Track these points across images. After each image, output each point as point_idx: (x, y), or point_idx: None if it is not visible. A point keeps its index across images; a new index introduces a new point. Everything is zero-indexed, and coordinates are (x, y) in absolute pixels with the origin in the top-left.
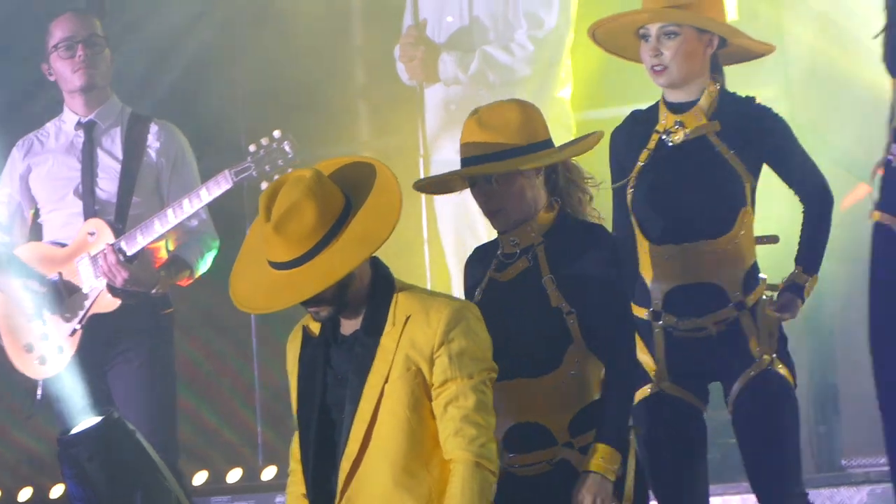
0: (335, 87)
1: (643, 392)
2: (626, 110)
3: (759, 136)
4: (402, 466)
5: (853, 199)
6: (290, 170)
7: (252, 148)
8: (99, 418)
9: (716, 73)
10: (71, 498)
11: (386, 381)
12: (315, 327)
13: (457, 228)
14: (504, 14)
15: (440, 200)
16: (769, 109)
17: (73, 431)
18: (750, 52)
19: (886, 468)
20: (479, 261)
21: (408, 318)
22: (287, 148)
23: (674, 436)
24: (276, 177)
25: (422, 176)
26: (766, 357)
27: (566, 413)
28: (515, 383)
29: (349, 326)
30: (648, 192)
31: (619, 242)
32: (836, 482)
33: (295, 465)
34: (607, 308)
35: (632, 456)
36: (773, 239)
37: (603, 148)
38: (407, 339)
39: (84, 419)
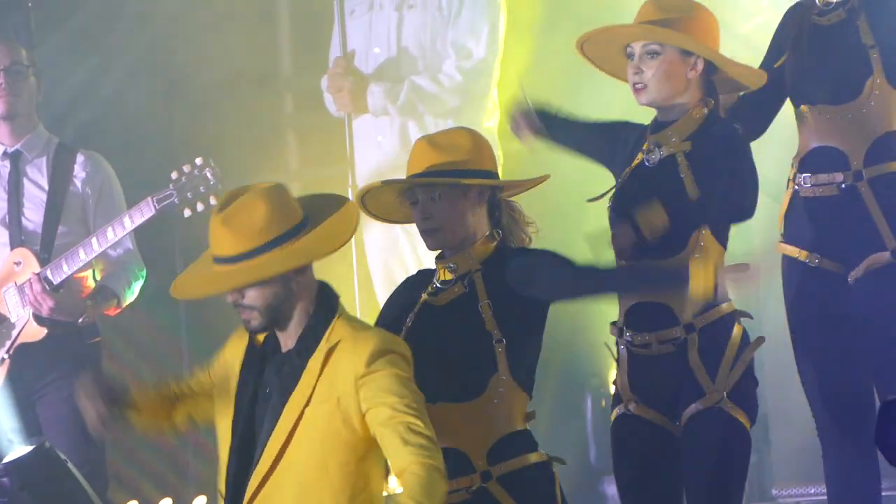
0: (264, 117)
1: (613, 414)
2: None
3: (719, 156)
4: (310, 493)
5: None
6: (212, 197)
7: (174, 175)
8: (30, 448)
9: (710, 96)
10: None
11: (307, 405)
12: (260, 338)
13: (385, 261)
14: (432, 45)
15: (369, 236)
16: (737, 131)
17: (5, 461)
18: (738, 81)
19: (817, 497)
20: (413, 286)
21: (337, 344)
22: (209, 175)
23: (639, 458)
24: (199, 204)
25: None
26: (715, 394)
27: (486, 441)
28: (438, 407)
29: (286, 345)
30: (618, 208)
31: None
32: None
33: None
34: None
35: (557, 487)
36: (742, 267)
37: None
38: (331, 366)
39: (14, 449)
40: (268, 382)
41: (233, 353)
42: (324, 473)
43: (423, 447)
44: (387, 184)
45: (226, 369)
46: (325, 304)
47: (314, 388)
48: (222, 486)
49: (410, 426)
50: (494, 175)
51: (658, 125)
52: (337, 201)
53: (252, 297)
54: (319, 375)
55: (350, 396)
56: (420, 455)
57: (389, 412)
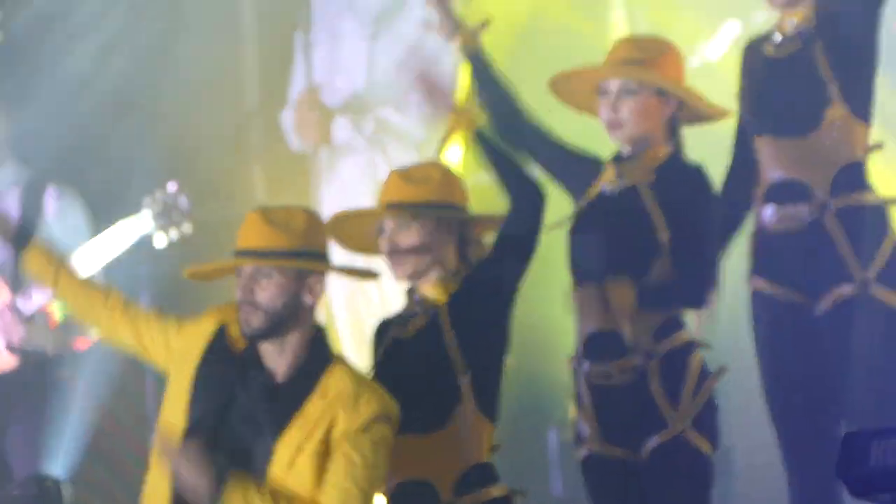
0: (230, 149)
1: (579, 455)
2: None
3: (685, 193)
4: None
5: None
6: (185, 223)
7: (147, 201)
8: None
9: (674, 136)
10: None
11: (298, 451)
12: (237, 338)
13: (352, 305)
14: (398, 76)
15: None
16: (704, 176)
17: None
18: (703, 117)
19: None
20: (386, 328)
21: (339, 395)
22: (181, 202)
23: (614, 496)
24: (172, 230)
25: None
26: (674, 423)
27: (452, 472)
28: (404, 439)
29: (276, 371)
30: (577, 236)
31: None
32: None
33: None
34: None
35: None
36: None
37: None
38: (329, 417)
39: None
40: (252, 403)
41: (194, 337)
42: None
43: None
44: (358, 213)
45: (184, 345)
46: (322, 344)
47: (308, 436)
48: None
49: (357, 482)
50: (464, 209)
51: (621, 157)
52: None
53: (265, 296)
54: (315, 426)
55: (335, 445)
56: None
57: (348, 461)
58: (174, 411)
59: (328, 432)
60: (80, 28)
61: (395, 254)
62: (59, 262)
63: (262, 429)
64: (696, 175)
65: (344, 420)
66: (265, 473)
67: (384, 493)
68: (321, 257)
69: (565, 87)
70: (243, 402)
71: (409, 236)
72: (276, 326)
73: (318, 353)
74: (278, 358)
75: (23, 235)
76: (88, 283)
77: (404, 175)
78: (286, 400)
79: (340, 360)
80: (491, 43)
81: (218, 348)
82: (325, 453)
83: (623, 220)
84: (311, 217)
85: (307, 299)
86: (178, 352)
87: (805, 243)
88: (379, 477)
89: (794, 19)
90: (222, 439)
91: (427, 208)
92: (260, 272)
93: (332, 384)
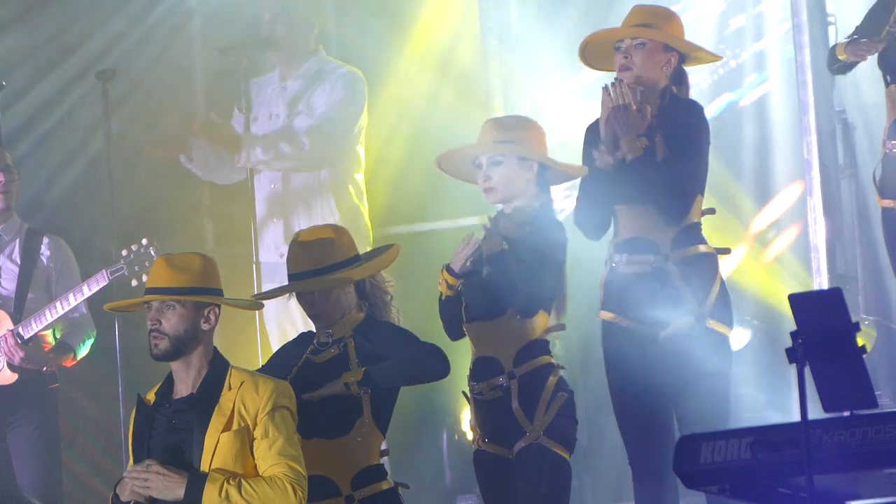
0: (185, 208)
1: (474, 448)
2: (418, 227)
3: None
4: None
5: None
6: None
7: (124, 252)
8: None
9: (542, 193)
10: None
11: (223, 431)
12: (150, 397)
13: (279, 322)
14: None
15: (268, 304)
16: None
17: None
18: (566, 176)
19: None
20: (298, 344)
21: (241, 384)
22: (152, 252)
23: (493, 484)
24: (144, 275)
25: (254, 277)
26: (531, 432)
27: (350, 471)
28: (312, 442)
29: (183, 391)
30: (465, 289)
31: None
32: None
33: None
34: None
35: None
36: (558, 327)
37: None
38: (240, 401)
39: None
40: (172, 419)
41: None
42: None
43: (292, 471)
44: (275, 292)
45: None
46: (220, 358)
47: (228, 418)
48: None
49: (284, 454)
50: (357, 258)
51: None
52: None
53: (168, 325)
54: (232, 409)
55: (252, 425)
56: (286, 475)
57: (272, 441)
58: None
59: (241, 414)
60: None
61: (312, 311)
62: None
63: (189, 433)
64: (557, 227)
65: (251, 400)
66: (201, 463)
67: None
68: (214, 292)
69: (450, 164)
70: (159, 428)
71: (319, 300)
72: (180, 347)
73: (219, 364)
74: (186, 376)
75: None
76: None
77: (300, 242)
78: (202, 403)
79: (235, 367)
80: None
81: (138, 415)
82: (244, 431)
83: (492, 277)
84: (207, 261)
85: (204, 326)
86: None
87: (650, 284)
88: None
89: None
90: (162, 452)
91: (324, 271)
92: (164, 305)
93: (235, 380)
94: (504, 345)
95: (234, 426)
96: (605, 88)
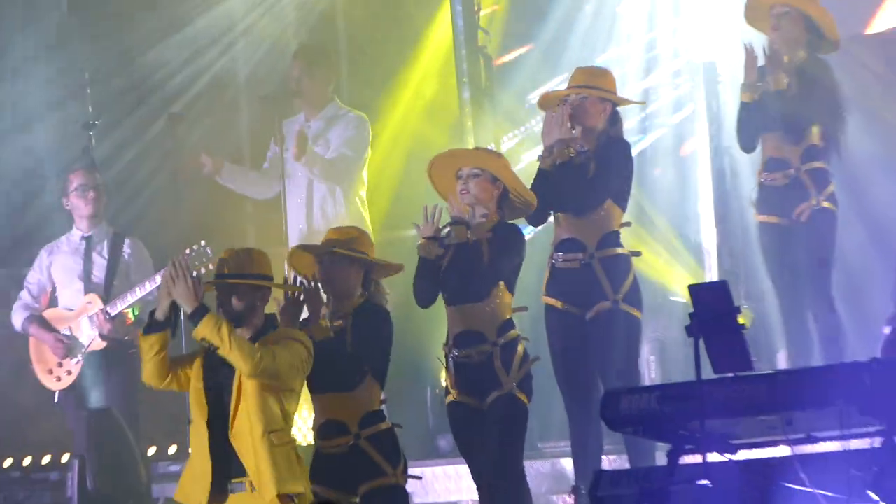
0: (233, 216)
1: (447, 400)
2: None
3: (508, 245)
4: (256, 422)
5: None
6: (210, 265)
7: (187, 250)
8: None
9: (501, 208)
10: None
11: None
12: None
13: None
14: None
15: None
16: (519, 233)
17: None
18: (524, 204)
19: (565, 448)
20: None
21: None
22: (208, 251)
23: (465, 430)
24: (202, 268)
25: (284, 270)
26: (506, 385)
27: (358, 415)
28: (328, 395)
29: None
30: (445, 275)
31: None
32: (534, 457)
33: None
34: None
35: (397, 440)
36: (523, 308)
37: None
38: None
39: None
40: (226, 370)
41: (194, 359)
42: (262, 411)
43: (268, 356)
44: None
45: (191, 365)
46: (269, 323)
47: None
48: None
49: (270, 349)
50: (369, 257)
51: (470, 224)
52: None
53: (235, 301)
54: None
55: None
56: (263, 352)
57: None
58: (197, 394)
59: None
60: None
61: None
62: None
63: (231, 376)
64: (514, 231)
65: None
66: (232, 398)
67: (314, 430)
68: (265, 278)
69: (437, 170)
70: (220, 369)
71: (336, 271)
72: (239, 320)
73: (267, 326)
74: (245, 333)
75: (203, 308)
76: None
77: (335, 230)
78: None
79: (282, 329)
80: (389, 155)
81: (206, 358)
82: None
83: (470, 266)
84: (260, 254)
85: (258, 304)
86: (193, 366)
87: (580, 276)
88: (292, 362)
89: (583, 144)
90: (226, 400)
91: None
92: (230, 287)
93: (273, 336)
94: (488, 321)
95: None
96: (549, 111)
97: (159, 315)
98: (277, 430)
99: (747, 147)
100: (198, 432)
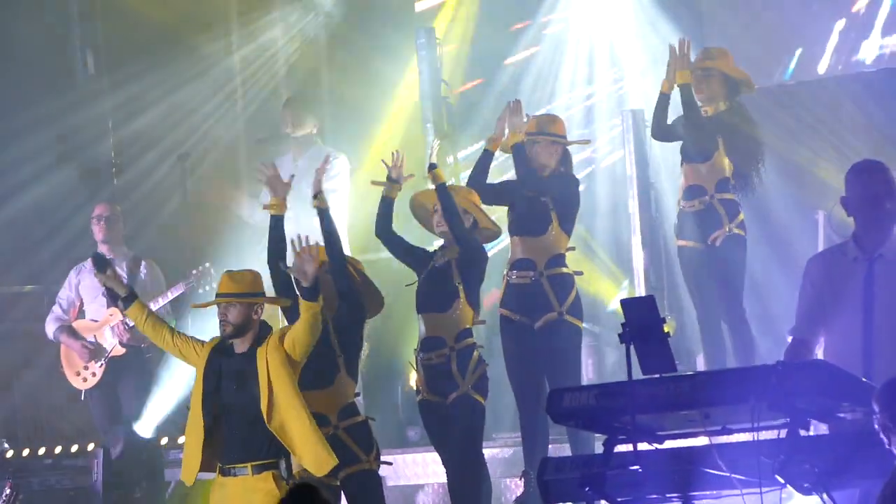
0: (236, 240)
1: (418, 399)
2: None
3: (471, 263)
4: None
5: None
6: (214, 283)
7: (194, 271)
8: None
9: (473, 231)
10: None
11: (269, 373)
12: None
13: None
14: None
15: None
16: (483, 252)
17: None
18: (490, 233)
19: (517, 437)
20: None
21: (269, 336)
22: (212, 271)
23: (433, 423)
24: (207, 286)
25: None
26: (462, 387)
27: (335, 408)
28: (309, 392)
29: (237, 349)
30: (420, 289)
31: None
32: (489, 446)
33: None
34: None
35: (371, 432)
36: (481, 321)
37: None
38: (265, 351)
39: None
40: (232, 366)
41: (204, 349)
42: (289, 387)
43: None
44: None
45: (200, 352)
46: (264, 332)
47: (265, 361)
48: (196, 423)
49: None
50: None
51: (444, 246)
52: None
53: (231, 317)
54: (266, 351)
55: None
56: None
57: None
58: (197, 382)
59: (269, 353)
60: None
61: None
62: (147, 312)
63: (250, 365)
64: (476, 249)
65: (272, 341)
66: (256, 396)
67: None
68: (260, 295)
69: (417, 205)
70: (226, 369)
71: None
72: (239, 331)
73: (263, 334)
74: (242, 344)
75: (131, 295)
76: (160, 323)
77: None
78: (249, 358)
79: (274, 331)
80: (367, 189)
81: (212, 356)
82: (278, 363)
83: (439, 280)
84: (254, 274)
85: (254, 316)
86: (197, 351)
87: (531, 290)
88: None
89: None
90: (223, 390)
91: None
92: (229, 304)
93: (266, 341)
94: (449, 329)
95: (271, 353)
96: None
97: (120, 292)
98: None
99: (657, 134)
100: (194, 415)
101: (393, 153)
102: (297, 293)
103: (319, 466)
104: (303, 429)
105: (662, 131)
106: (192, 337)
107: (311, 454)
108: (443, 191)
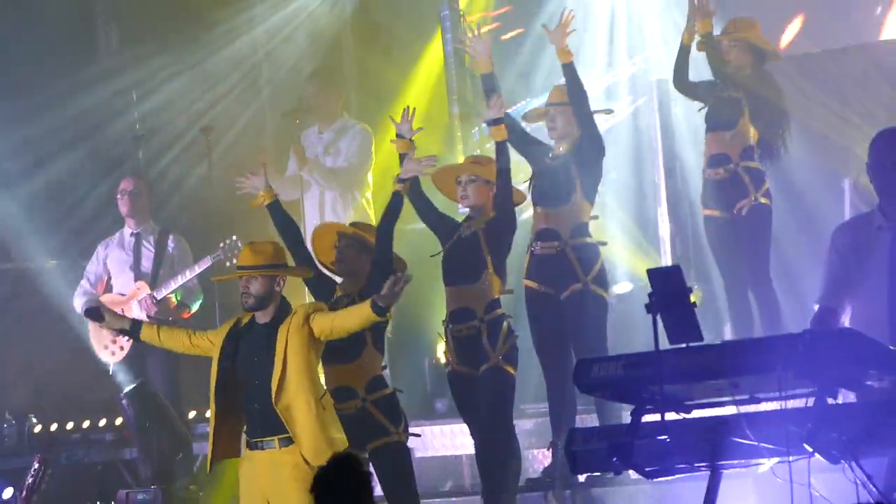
0: (261, 214)
1: (448, 370)
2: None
3: (501, 235)
4: (301, 380)
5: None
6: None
7: (221, 244)
8: (135, 385)
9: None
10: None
11: (286, 349)
12: (243, 320)
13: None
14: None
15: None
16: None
17: (124, 391)
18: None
19: (544, 409)
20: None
21: (293, 312)
22: (239, 244)
23: (462, 394)
24: (234, 259)
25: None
26: (493, 358)
27: (364, 381)
28: (337, 366)
29: (259, 320)
30: (446, 261)
31: None
32: (517, 417)
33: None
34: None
35: (399, 404)
36: (509, 291)
37: None
38: (287, 328)
39: (132, 383)
40: (251, 342)
41: (222, 330)
42: (311, 381)
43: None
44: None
45: (217, 336)
46: (286, 305)
47: (285, 338)
48: (213, 398)
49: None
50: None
51: (470, 216)
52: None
53: (253, 289)
54: (288, 330)
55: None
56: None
57: (333, 315)
58: (214, 363)
59: (290, 333)
60: None
61: (340, 268)
62: (157, 328)
63: (271, 338)
64: (514, 222)
65: (295, 320)
66: (275, 354)
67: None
68: (282, 267)
69: (439, 179)
70: (247, 344)
71: (349, 257)
72: (261, 303)
73: (284, 308)
74: (264, 316)
75: (136, 324)
76: (175, 331)
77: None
78: (275, 325)
79: (295, 306)
80: (392, 162)
81: (232, 331)
82: (297, 345)
83: (467, 251)
84: (276, 246)
85: (276, 288)
86: (215, 341)
87: (556, 261)
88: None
89: (562, 147)
90: (241, 362)
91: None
92: (251, 277)
93: (289, 319)
94: (478, 300)
95: (292, 334)
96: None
97: (125, 327)
98: (322, 396)
99: (678, 86)
100: (211, 397)
101: (404, 109)
102: (337, 286)
103: (316, 456)
104: (307, 415)
105: (684, 85)
106: (206, 332)
107: (310, 442)
108: (502, 147)
